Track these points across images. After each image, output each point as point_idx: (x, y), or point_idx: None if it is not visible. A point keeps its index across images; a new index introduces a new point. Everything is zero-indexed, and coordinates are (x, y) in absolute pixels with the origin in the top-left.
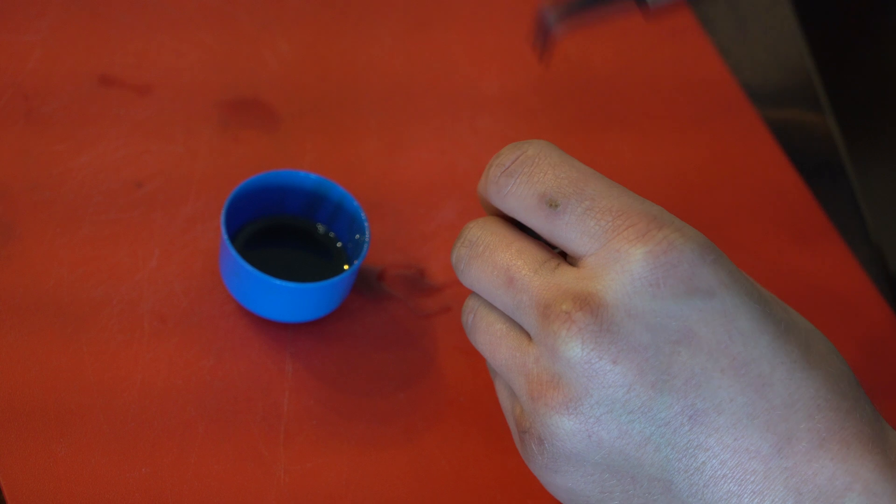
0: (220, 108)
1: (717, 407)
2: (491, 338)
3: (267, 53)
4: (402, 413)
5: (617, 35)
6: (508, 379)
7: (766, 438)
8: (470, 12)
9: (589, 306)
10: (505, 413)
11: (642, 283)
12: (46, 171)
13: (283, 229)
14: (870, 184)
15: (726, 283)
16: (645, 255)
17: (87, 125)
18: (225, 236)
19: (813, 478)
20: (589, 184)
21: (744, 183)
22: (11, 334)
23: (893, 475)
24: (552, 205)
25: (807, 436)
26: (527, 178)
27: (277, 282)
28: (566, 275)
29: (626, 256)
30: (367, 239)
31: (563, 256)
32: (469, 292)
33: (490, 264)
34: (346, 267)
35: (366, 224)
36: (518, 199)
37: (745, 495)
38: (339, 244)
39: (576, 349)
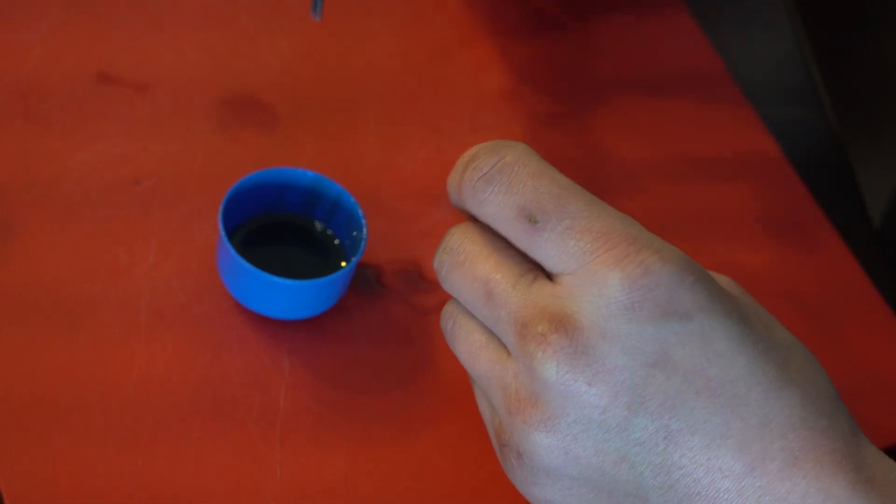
0: (218, 106)
1: (691, 427)
2: (470, 347)
3: (265, 52)
4: (398, 410)
5: (615, 33)
6: (487, 391)
7: (739, 458)
8: (468, 11)
9: (564, 328)
10: (485, 422)
11: (618, 307)
12: (45, 168)
13: (281, 226)
14: (870, 183)
15: (704, 305)
16: (622, 280)
17: (86, 123)
18: (222, 233)
19: (786, 496)
20: (570, 201)
21: (740, 179)
22: (9, 329)
23: (867, 492)
24: (531, 220)
25: (780, 455)
26: (506, 187)
27: (275, 278)
28: (543, 291)
29: (603, 280)
30: (364, 236)
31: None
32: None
33: (470, 275)
34: (343, 264)
35: (363, 221)
36: (496, 207)
37: None
38: (336, 241)
39: (551, 371)
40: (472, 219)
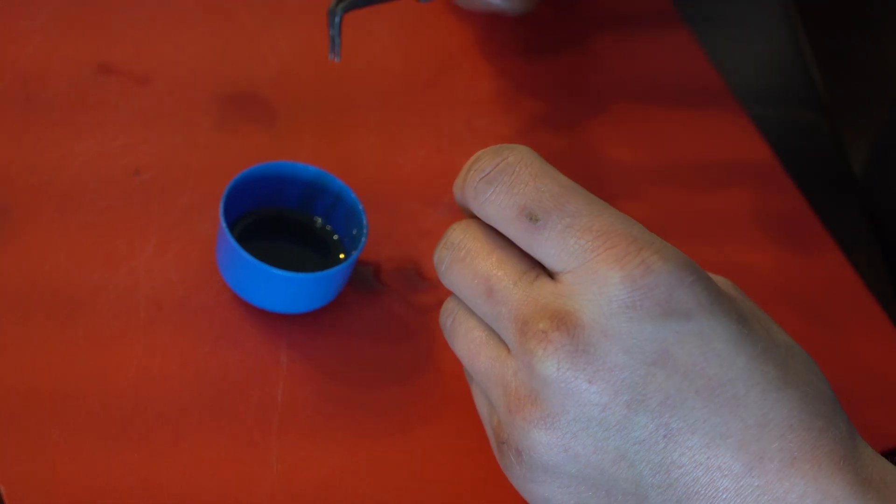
0: (218, 101)
1: (690, 427)
2: (470, 345)
3: (266, 49)
4: (396, 405)
5: (612, 37)
6: (486, 388)
7: (738, 458)
8: (467, 11)
9: (565, 326)
10: (482, 420)
11: (619, 305)
12: (44, 156)
13: (281, 221)
14: (870, 183)
15: (704, 304)
16: (622, 278)
17: (86, 112)
18: (223, 224)
19: (784, 496)
20: (571, 200)
21: (734, 184)
22: (6, 318)
23: (864, 493)
24: (532, 218)
25: (779, 455)
26: (507, 187)
27: (274, 270)
28: (544, 289)
29: (603, 278)
30: (364, 231)
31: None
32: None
33: (471, 271)
34: (341, 256)
35: (363, 217)
36: (497, 207)
37: None
38: (335, 237)
39: (551, 368)
40: (475, 218)
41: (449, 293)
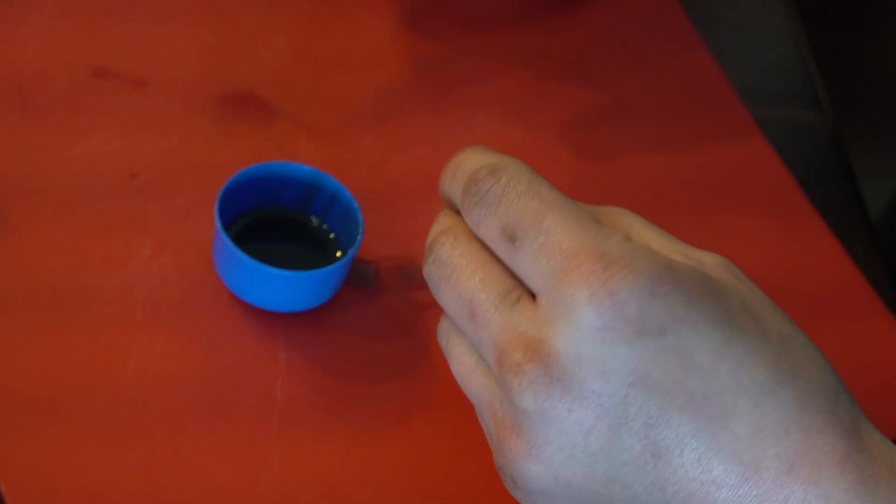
0: (215, 101)
1: (679, 444)
2: (461, 369)
3: (262, 48)
4: (395, 401)
5: (612, 34)
6: (480, 412)
7: (732, 469)
8: (465, 9)
9: (538, 357)
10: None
11: (590, 330)
12: (41, 161)
13: (277, 221)
14: (870, 183)
15: (680, 316)
16: (590, 300)
17: (83, 116)
18: (219, 224)
19: (785, 503)
20: (547, 216)
21: (736, 180)
22: (4, 321)
23: (869, 492)
24: (511, 238)
25: (775, 462)
26: (494, 209)
27: (271, 269)
28: (523, 315)
29: (572, 302)
30: (360, 229)
31: None
32: None
33: (457, 293)
34: (338, 254)
35: (359, 215)
36: (486, 229)
37: None
38: (332, 236)
39: (529, 401)
40: (463, 224)
41: None
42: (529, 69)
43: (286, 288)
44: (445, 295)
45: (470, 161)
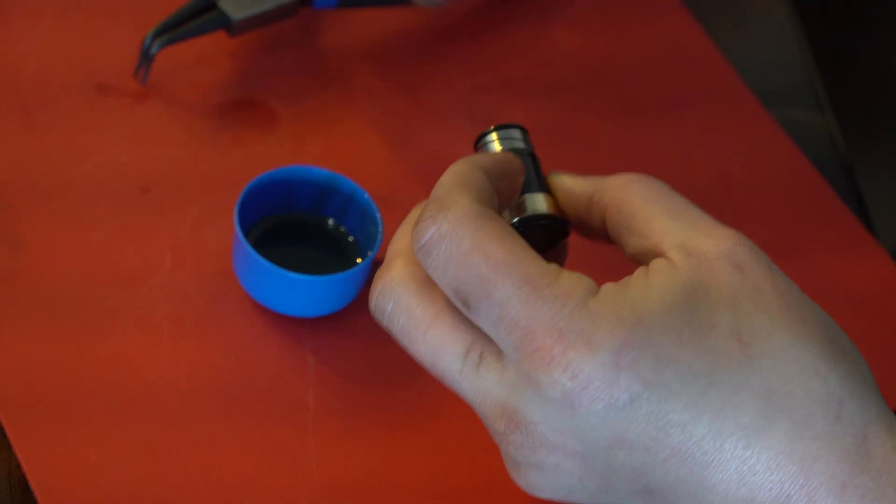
0: (219, 109)
1: (670, 486)
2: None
3: (263, 55)
4: (426, 398)
5: (612, 27)
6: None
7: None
8: (463, 6)
9: (518, 427)
10: None
11: (558, 407)
12: (51, 180)
13: (293, 225)
14: (870, 183)
15: (650, 380)
16: (553, 384)
17: (88, 132)
18: (239, 233)
19: None
20: (497, 286)
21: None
22: (29, 344)
23: None
24: (465, 304)
25: (770, 498)
26: (441, 264)
27: (295, 276)
28: (490, 379)
29: (537, 382)
30: (380, 230)
31: None
32: None
33: (413, 351)
34: (358, 260)
35: (377, 215)
36: (437, 279)
37: None
38: (350, 238)
39: (521, 458)
40: (406, 267)
41: None
42: (531, 64)
43: (311, 293)
44: (407, 346)
45: (443, 177)
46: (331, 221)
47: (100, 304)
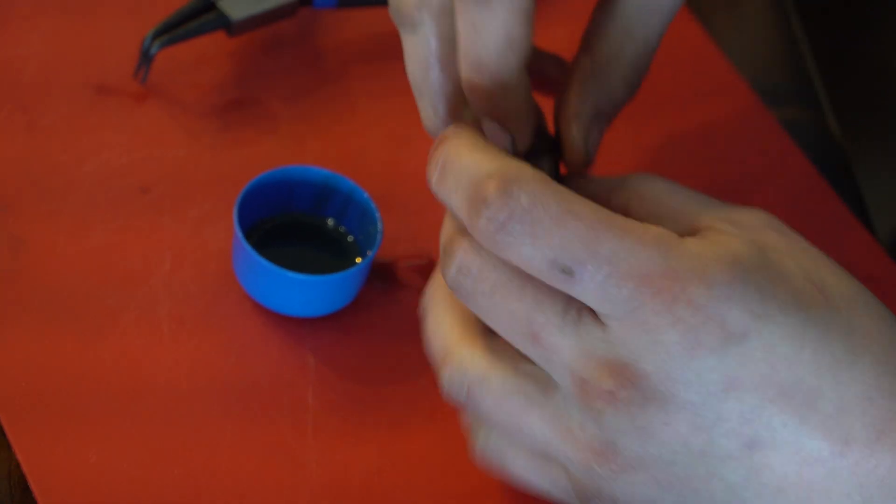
0: (219, 109)
1: (772, 434)
2: (512, 410)
3: (262, 55)
4: (426, 397)
5: None
6: (549, 451)
7: (823, 447)
8: None
9: (630, 381)
10: (551, 494)
11: (677, 350)
12: (52, 181)
13: (292, 225)
14: (870, 183)
15: (758, 313)
16: (673, 324)
17: (88, 133)
18: (239, 233)
19: (874, 470)
20: (602, 241)
21: (741, 158)
22: (31, 346)
23: None
24: (566, 272)
25: (863, 433)
26: (530, 238)
27: (295, 276)
28: (593, 335)
29: (655, 328)
30: (379, 229)
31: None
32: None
33: (505, 310)
34: (358, 260)
35: (377, 215)
36: (523, 259)
37: (814, 497)
38: (350, 238)
39: (625, 423)
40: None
41: None
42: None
43: (311, 293)
44: (490, 309)
45: (462, 160)
46: (330, 221)
47: (100, 304)
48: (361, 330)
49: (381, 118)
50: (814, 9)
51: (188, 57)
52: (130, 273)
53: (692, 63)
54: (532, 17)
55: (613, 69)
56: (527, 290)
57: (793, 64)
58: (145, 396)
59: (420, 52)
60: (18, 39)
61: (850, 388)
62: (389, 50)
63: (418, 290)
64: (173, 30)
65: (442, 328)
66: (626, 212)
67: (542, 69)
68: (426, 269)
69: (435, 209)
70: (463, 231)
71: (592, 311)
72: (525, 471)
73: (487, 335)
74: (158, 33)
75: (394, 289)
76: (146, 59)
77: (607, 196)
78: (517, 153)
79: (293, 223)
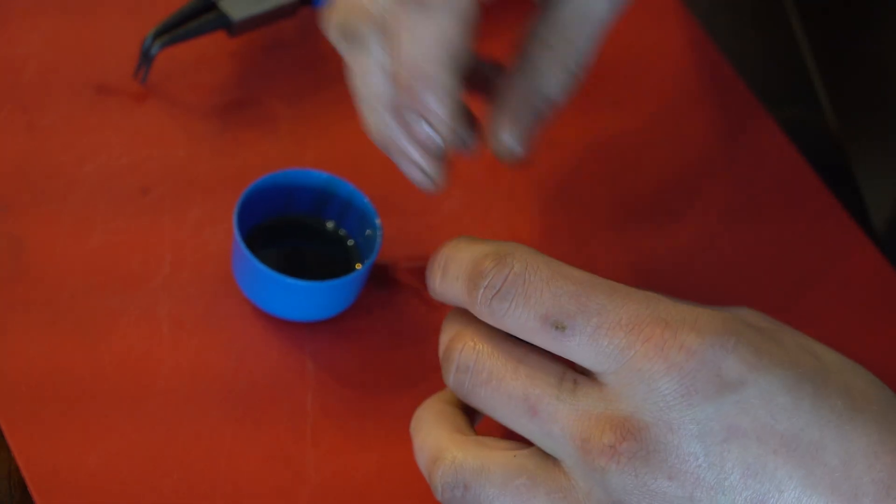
0: (219, 109)
1: (777, 487)
2: (519, 496)
3: (263, 56)
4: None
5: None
6: None
7: (832, 502)
8: None
9: (631, 433)
10: None
11: (674, 397)
12: (52, 182)
13: (292, 228)
14: (870, 183)
15: (753, 363)
16: (668, 370)
17: (89, 134)
18: (238, 239)
19: None
20: (591, 297)
21: (741, 158)
22: (31, 346)
23: None
24: (558, 327)
25: (872, 488)
26: (523, 299)
27: (293, 281)
28: (590, 396)
29: (649, 375)
30: (378, 234)
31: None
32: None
33: (503, 394)
34: (358, 265)
35: (376, 219)
36: (518, 321)
37: None
38: (349, 242)
39: (629, 478)
40: (474, 323)
41: None
42: None
43: (309, 298)
44: (488, 398)
45: (460, 255)
46: (330, 224)
47: (100, 305)
48: (360, 334)
49: None
50: (814, 9)
51: (189, 57)
52: (130, 274)
53: (692, 63)
54: (471, 23)
55: (546, 66)
56: (521, 370)
57: (793, 64)
58: (144, 398)
59: (370, 66)
60: (18, 39)
61: (854, 443)
62: None
63: (417, 293)
64: (174, 30)
65: (430, 438)
66: None
67: (480, 75)
68: (423, 272)
69: (434, 212)
70: (459, 335)
71: (587, 377)
72: None
73: (478, 440)
74: (159, 33)
75: (393, 292)
76: (146, 59)
77: None
78: (447, 157)
79: (292, 225)
